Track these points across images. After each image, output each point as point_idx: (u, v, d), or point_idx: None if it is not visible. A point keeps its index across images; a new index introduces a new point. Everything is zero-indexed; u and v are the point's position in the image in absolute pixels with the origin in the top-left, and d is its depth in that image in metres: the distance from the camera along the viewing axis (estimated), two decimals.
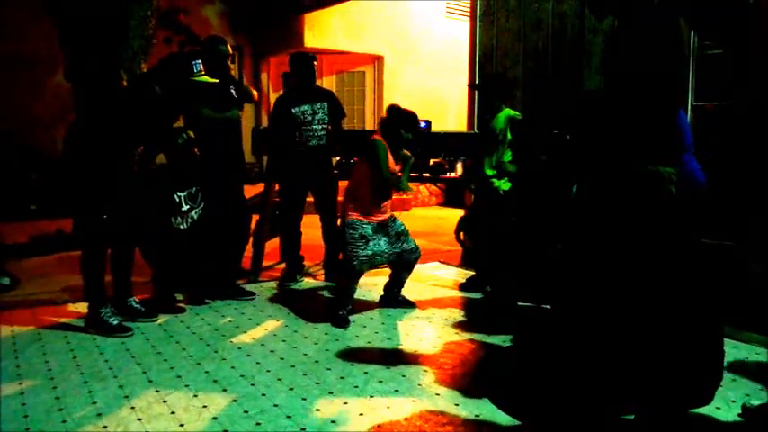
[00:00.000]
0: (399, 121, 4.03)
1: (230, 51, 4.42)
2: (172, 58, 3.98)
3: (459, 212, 6.60)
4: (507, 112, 4.56)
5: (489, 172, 4.55)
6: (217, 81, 4.08)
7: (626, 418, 2.51)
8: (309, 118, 4.76)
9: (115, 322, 3.67)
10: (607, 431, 2.56)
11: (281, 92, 10.60)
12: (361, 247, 3.91)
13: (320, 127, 4.80)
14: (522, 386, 3.03)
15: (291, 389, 2.94)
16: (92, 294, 3.68)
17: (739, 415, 2.68)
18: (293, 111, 4.75)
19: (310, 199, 5.01)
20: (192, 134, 4.18)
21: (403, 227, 4.21)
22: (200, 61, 3.90)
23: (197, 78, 3.89)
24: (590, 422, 2.57)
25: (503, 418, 2.67)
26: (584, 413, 2.58)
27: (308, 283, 5.03)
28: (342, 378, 3.09)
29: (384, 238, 4.04)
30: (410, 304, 4.35)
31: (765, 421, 2.59)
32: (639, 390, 2.33)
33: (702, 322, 2.35)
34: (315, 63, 4.87)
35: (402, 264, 4.20)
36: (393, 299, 4.35)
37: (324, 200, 4.99)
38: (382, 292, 4.40)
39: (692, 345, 2.31)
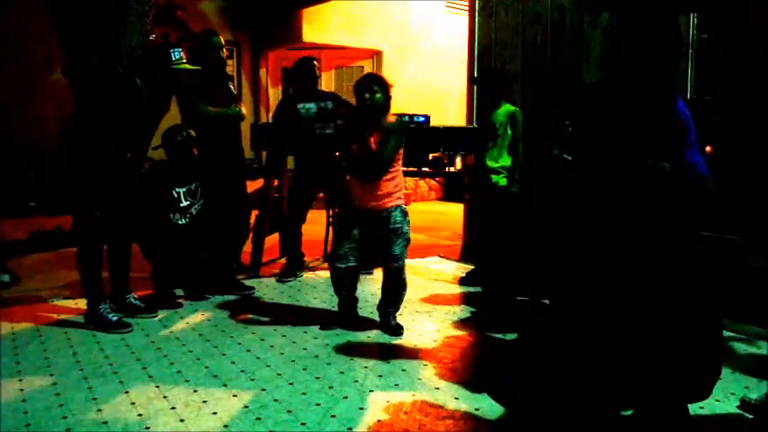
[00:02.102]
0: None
1: (223, 43, 4.42)
2: (155, 50, 3.93)
3: (459, 207, 6.60)
4: (507, 107, 4.56)
5: (491, 164, 4.55)
6: (198, 68, 4.01)
7: (625, 414, 2.51)
8: (314, 116, 4.83)
9: (114, 318, 3.66)
10: (606, 426, 2.56)
11: (279, 87, 10.67)
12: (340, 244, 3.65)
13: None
14: (522, 381, 3.03)
15: (291, 384, 2.94)
16: (90, 291, 3.67)
17: (738, 408, 2.68)
18: (299, 107, 4.81)
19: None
20: (192, 133, 4.18)
21: (400, 226, 3.60)
22: (179, 49, 3.84)
23: (177, 66, 3.83)
24: (590, 417, 2.58)
25: (502, 413, 2.67)
26: (584, 408, 2.58)
27: (307, 278, 5.02)
28: (342, 373, 3.09)
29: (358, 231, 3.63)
30: (395, 331, 3.67)
31: (765, 415, 2.59)
32: (639, 384, 2.33)
33: (701, 316, 2.35)
34: (316, 63, 4.91)
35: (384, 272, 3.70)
36: (382, 320, 3.78)
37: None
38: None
39: (691, 339, 2.31)
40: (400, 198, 3.65)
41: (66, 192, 3.63)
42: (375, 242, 3.63)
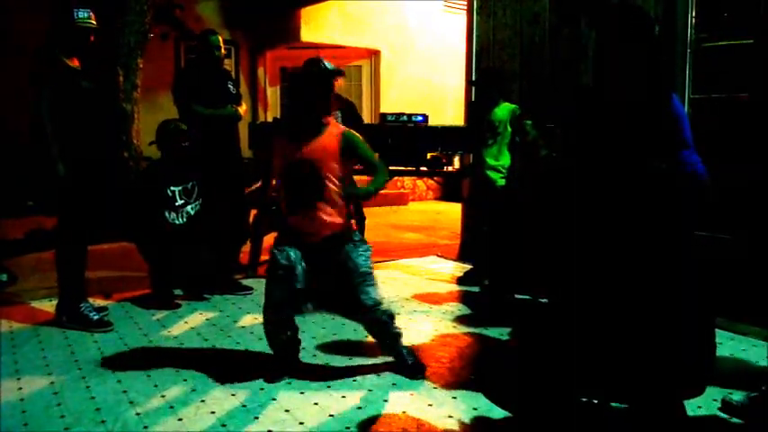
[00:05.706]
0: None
1: (221, 43, 4.41)
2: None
3: (458, 206, 6.60)
4: (507, 105, 4.58)
5: (491, 162, 4.55)
6: (95, 25, 3.61)
7: (620, 410, 2.52)
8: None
9: (96, 317, 3.66)
10: (603, 424, 2.57)
11: (277, 86, 10.66)
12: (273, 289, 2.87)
13: None
14: (518, 380, 3.04)
15: (289, 383, 2.94)
16: (73, 289, 3.67)
17: (719, 409, 2.64)
18: None
19: None
20: (183, 126, 4.17)
21: (364, 262, 2.91)
22: (87, 9, 3.48)
23: (82, 23, 3.48)
24: (585, 414, 2.58)
25: (500, 412, 2.68)
26: (578, 405, 2.59)
27: None
28: (340, 372, 3.09)
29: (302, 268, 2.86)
30: (412, 371, 3.03)
31: (754, 416, 2.56)
32: (633, 381, 2.34)
33: (695, 313, 2.36)
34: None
35: (366, 325, 3.03)
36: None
37: None
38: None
39: (685, 335, 2.32)
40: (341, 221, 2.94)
41: (48, 189, 3.61)
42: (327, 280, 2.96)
